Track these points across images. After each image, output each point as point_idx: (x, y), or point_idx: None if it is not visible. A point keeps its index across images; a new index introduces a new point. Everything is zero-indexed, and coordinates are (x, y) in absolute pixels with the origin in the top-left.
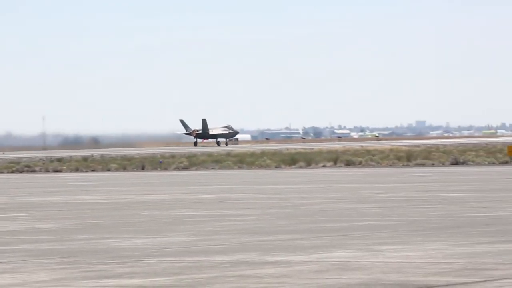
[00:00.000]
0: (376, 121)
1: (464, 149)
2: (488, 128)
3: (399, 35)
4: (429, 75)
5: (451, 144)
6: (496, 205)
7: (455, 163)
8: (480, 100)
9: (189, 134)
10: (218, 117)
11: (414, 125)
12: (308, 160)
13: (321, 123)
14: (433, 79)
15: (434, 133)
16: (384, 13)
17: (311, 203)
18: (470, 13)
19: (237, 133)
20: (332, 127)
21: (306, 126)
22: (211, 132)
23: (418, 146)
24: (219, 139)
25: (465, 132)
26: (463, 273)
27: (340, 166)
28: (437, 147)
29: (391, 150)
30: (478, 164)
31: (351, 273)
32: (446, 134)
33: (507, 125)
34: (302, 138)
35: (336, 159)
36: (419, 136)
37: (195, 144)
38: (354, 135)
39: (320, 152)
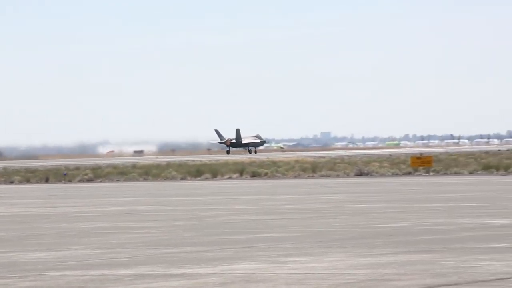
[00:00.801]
0: (281, 132)
1: (368, 160)
2: (392, 139)
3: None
4: (332, 86)
5: (355, 155)
6: (399, 215)
7: (360, 174)
8: (383, 111)
9: (223, 143)
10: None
11: (319, 136)
12: (213, 171)
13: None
14: (337, 90)
15: (339, 144)
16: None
17: (217, 214)
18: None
19: (264, 142)
20: None
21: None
22: (243, 141)
23: (323, 157)
24: (250, 148)
25: (369, 143)
26: (366, 284)
27: (246, 178)
28: (341, 158)
29: (296, 161)
30: (382, 175)
31: (256, 285)
32: (350, 145)
33: (410, 136)
34: (208, 150)
35: (242, 170)
36: (324, 147)
37: (228, 152)
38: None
39: (226, 164)
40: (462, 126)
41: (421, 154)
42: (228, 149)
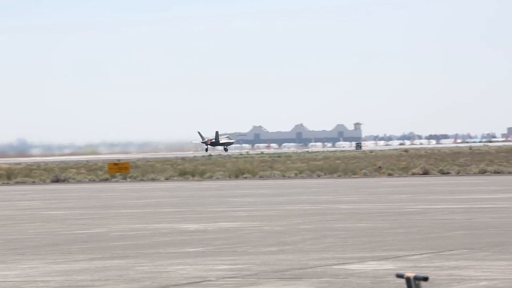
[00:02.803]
0: None
1: (65, 167)
2: (89, 146)
3: None
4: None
5: (52, 162)
6: (95, 222)
7: (56, 180)
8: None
9: (204, 142)
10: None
11: (15, 144)
12: None
13: None
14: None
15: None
16: None
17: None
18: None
19: (233, 142)
20: None
21: None
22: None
23: (19, 164)
24: (225, 146)
25: (67, 150)
26: None
27: None
28: (38, 165)
29: None
30: (79, 181)
31: None
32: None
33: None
34: None
35: None
36: (21, 154)
37: (206, 150)
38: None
39: None
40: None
41: (118, 160)
42: (207, 147)
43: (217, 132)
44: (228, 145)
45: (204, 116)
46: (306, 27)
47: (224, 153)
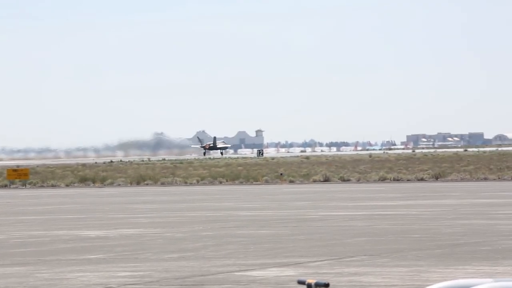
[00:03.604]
0: None
1: None
2: None
3: None
4: None
5: None
6: None
7: None
8: None
9: (203, 147)
10: None
11: None
12: None
13: None
14: None
15: None
16: None
17: None
18: None
19: (229, 147)
20: None
21: None
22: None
23: None
24: (222, 151)
25: None
26: None
27: None
28: None
29: None
30: None
31: None
32: None
33: (7, 149)
34: None
35: None
36: None
37: (204, 154)
38: None
39: None
40: None
41: (17, 166)
42: (204, 151)
43: (215, 138)
44: (224, 149)
45: (104, 120)
46: (204, 34)
47: (220, 156)
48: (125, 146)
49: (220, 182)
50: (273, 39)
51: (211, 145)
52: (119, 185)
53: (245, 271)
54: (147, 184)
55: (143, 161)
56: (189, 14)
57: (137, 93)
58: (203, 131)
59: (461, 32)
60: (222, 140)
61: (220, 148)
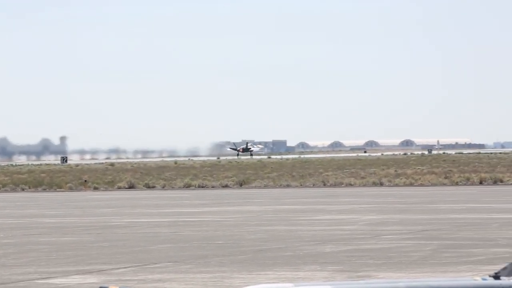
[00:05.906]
0: None
1: None
2: None
3: None
4: None
5: None
6: None
7: None
8: None
9: (237, 150)
10: None
11: None
12: None
13: None
14: None
15: None
16: None
17: None
18: None
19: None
20: None
21: None
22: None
23: None
24: (251, 153)
25: None
26: None
27: None
28: None
29: None
30: None
31: None
32: None
33: None
34: None
35: None
36: None
37: (238, 155)
38: None
39: None
40: None
41: None
42: (238, 153)
43: (247, 143)
44: (252, 151)
45: None
46: None
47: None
48: None
49: (23, 189)
50: None
51: (244, 148)
52: None
53: (46, 279)
54: None
55: None
56: None
57: None
58: (5, 138)
59: None
60: (251, 144)
61: (250, 151)
